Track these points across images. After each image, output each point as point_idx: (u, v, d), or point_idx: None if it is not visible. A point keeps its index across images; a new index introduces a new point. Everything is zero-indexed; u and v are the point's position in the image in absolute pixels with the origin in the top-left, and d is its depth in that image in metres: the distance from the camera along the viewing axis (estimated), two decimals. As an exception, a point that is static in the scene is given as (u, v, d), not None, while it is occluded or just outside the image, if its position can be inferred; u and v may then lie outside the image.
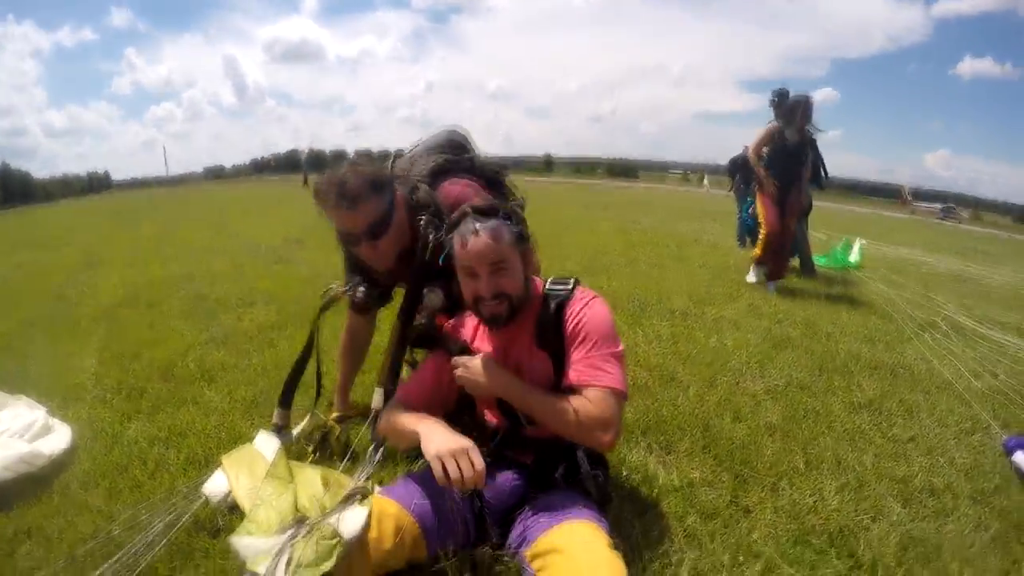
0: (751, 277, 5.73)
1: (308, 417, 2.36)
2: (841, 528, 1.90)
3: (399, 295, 2.15)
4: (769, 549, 1.78)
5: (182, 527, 1.82)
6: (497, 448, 1.65)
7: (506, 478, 1.63)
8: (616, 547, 1.40)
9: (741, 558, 1.75)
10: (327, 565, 1.31)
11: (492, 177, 2.27)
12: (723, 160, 10.03)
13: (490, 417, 1.72)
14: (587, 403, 1.50)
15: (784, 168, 5.35)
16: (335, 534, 1.37)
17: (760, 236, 5.55)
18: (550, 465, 1.62)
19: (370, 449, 2.06)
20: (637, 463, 2.22)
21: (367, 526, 1.42)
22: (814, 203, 6.40)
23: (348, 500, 1.53)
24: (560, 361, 1.60)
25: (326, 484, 1.72)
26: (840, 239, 7.21)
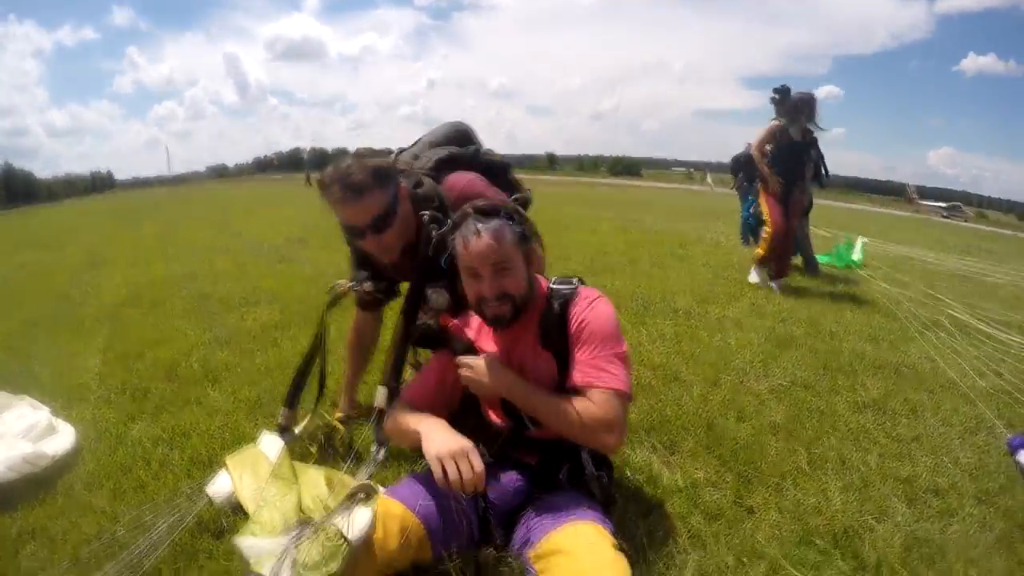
0: (753, 278, 5.69)
1: (309, 417, 2.35)
2: (845, 529, 1.90)
3: (405, 291, 2.14)
4: (773, 550, 1.77)
5: (186, 528, 1.82)
6: (501, 449, 1.64)
7: (510, 479, 1.63)
8: (620, 548, 1.40)
9: (745, 559, 1.74)
10: (332, 566, 1.31)
11: (497, 169, 2.26)
12: (725, 157, 10.02)
13: (494, 417, 1.71)
14: (591, 405, 1.50)
15: (788, 166, 5.34)
16: (340, 535, 1.37)
17: (765, 235, 5.51)
18: (554, 466, 1.62)
19: (373, 448, 2.05)
20: (641, 463, 2.22)
21: (372, 527, 1.42)
22: (814, 201, 6.38)
23: (351, 499, 1.53)
24: (564, 361, 1.60)
25: (330, 485, 1.72)
26: (843, 237, 7.19)
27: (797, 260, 6.40)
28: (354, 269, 2.23)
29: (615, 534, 1.46)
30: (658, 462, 2.25)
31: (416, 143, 2.28)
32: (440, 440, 1.46)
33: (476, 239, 1.52)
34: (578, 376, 1.55)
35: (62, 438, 2.37)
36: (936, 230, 20.53)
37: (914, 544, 1.85)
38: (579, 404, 1.51)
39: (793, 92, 5.52)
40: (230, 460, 2.03)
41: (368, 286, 2.16)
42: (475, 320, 1.75)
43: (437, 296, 1.91)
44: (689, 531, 1.85)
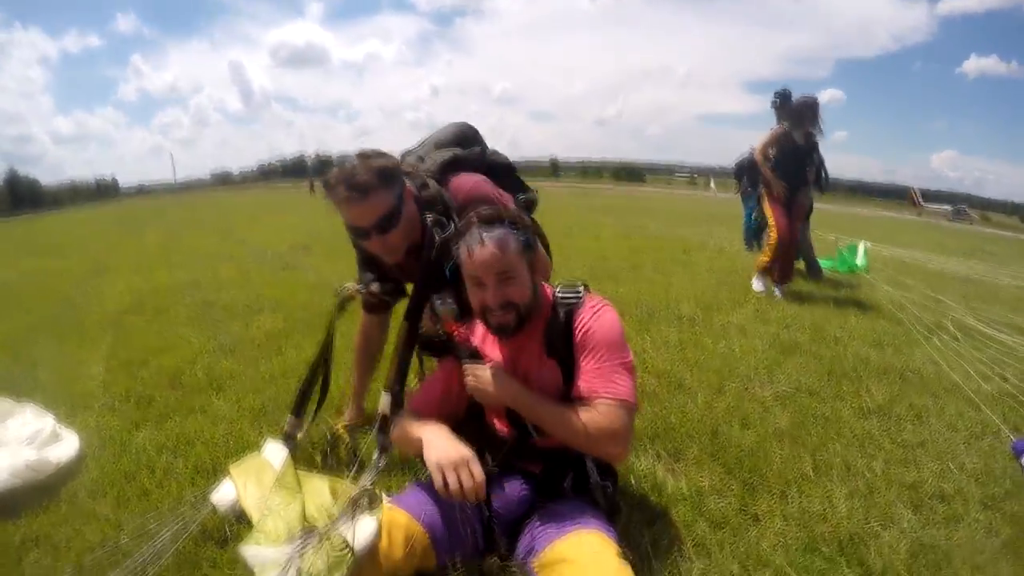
0: (757, 287, 5.60)
1: (309, 422, 2.34)
2: (851, 535, 1.89)
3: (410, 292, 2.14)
4: (778, 558, 1.77)
5: (190, 536, 1.82)
6: (506, 458, 1.64)
7: (514, 488, 1.63)
8: (625, 557, 1.40)
9: (750, 567, 1.74)
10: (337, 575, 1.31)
11: (503, 169, 2.27)
12: (728, 162, 10.00)
13: (499, 426, 1.71)
14: (597, 415, 1.49)
15: (791, 170, 5.33)
16: (345, 544, 1.37)
17: (770, 241, 5.46)
18: (558, 475, 1.62)
19: (375, 454, 2.05)
20: (646, 471, 2.21)
21: (377, 536, 1.42)
22: (813, 205, 6.37)
23: (354, 505, 1.53)
24: (569, 369, 1.59)
25: (334, 494, 1.72)
26: (846, 241, 7.17)
27: (799, 264, 6.38)
28: (360, 271, 2.23)
29: (619, 543, 1.46)
30: (663, 470, 2.24)
31: (422, 144, 2.27)
32: (441, 449, 1.47)
33: (480, 248, 1.52)
34: (584, 386, 1.55)
35: (66, 445, 2.38)
36: (938, 233, 20.48)
37: (920, 550, 1.84)
38: (585, 414, 1.50)
39: (795, 96, 5.52)
40: (234, 468, 2.04)
41: (375, 288, 2.16)
42: (480, 328, 1.75)
43: (445, 307, 1.90)
44: (694, 539, 1.84)
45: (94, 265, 8.37)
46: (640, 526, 1.87)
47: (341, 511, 1.55)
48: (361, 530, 1.44)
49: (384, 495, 1.68)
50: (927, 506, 2.09)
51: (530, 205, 2.36)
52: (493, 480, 1.57)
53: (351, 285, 2.23)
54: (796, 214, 5.50)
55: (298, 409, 2.29)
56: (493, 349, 1.72)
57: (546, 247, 1.96)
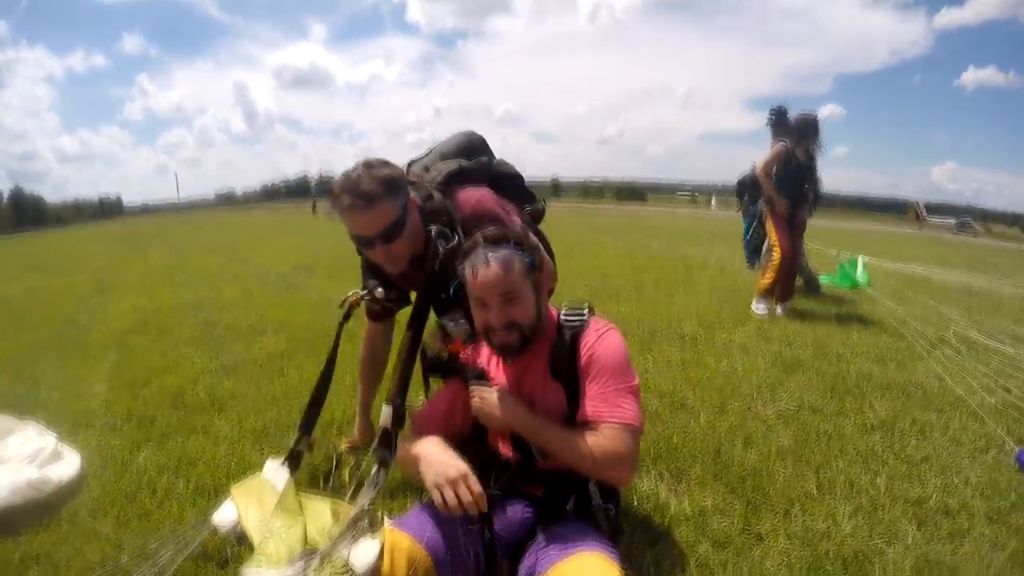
0: (760, 310, 5.46)
1: (305, 439, 2.30)
2: (855, 553, 1.87)
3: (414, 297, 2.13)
4: (783, 578, 1.75)
5: (190, 557, 1.81)
6: (509, 480, 1.64)
7: (516, 510, 1.62)
8: (627, 578, 1.38)
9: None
10: (339, 598, 1.30)
11: (510, 180, 2.26)
12: (730, 179, 10.03)
13: (503, 448, 1.70)
14: (603, 439, 1.49)
15: (793, 187, 5.35)
16: (347, 567, 1.37)
17: (772, 261, 5.44)
18: (561, 497, 1.61)
19: (374, 470, 2.02)
20: (648, 491, 2.20)
21: (380, 558, 1.41)
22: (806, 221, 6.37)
23: (355, 525, 1.52)
24: (574, 392, 1.59)
25: (336, 516, 1.71)
26: (845, 256, 7.17)
27: (798, 281, 6.37)
28: (364, 278, 2.22)
29: (622, 564, 1.45)
30: (665, 490, 2.23)
31: (428, 153, 2.27)
32: (437, 466, 1.47)
33: (485, 268, 1.52)
34: (590, 410, 1.54)
35: (67, 464, 2.38)
36: (940, 246, 20.47)
37: (925, 567, 1.83)
38: (590, 438, 1.49)
39: (797, 113, 5.54)
40: (235, 489, 2.02)
41: (379, 293, 2.15)
42: (486, 349, 1.75)
43: (458, 327, 1.90)
44: (697, 560, 1.83)
45: (98, 283, 8.41)
46: (643, 547, 1.86)
47: (341, 532, 1.54)
48: (363, 552, 1.43)
49: (386, 517, 1.67)
50: (932, 521, 2.08)
51: (537, 216, 2.36)
52: (495, 502, 1.57)
53: (356, 291, 2.23)
54: (797, 231, 5.51)
55: (306, 425, 2.25)
56: (498, 371, 1.72)
57: (551, 256, 1.96)
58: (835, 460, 2.49)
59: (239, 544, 1.86)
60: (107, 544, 1.94)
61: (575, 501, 1.60)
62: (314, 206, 44.45)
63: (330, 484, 2.21)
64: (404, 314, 2.17)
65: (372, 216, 1.78)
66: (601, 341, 1.59)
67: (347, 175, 1.79)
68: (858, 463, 2.49)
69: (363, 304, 2.25)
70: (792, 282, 5.62)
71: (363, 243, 1.88)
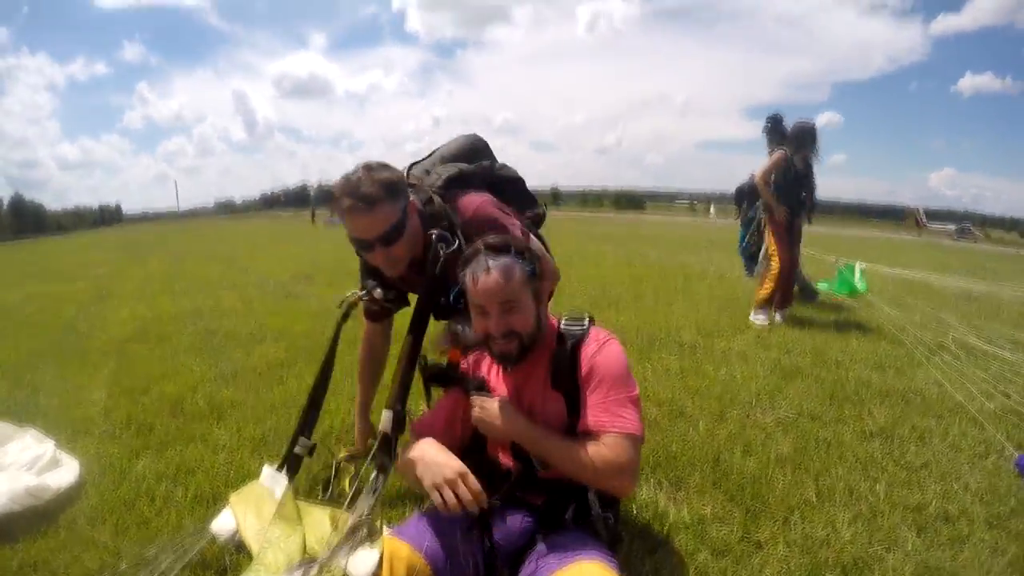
0: (760, 320, 5.39)
1: (304, 442, 2.28)
2: (855, 560, 1.87)
3: (413, 300, 2.13)
4: (782, 585, 1.75)
5: (189, 565, 1.80)
6: (510, 491, 1.64)
7: (516, 519, 1.61)
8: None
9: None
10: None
11: (511, 183, 2.26)
12: (729, 188, 10.03)
13: (502, 458, 1.70)
14: (604, 449, 1.48)
15: (792, 194, 5.37)
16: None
17: (772, 271, 5.44)
18: (561, 506, 1.60)
19: (373, 475, 1.98)
20: (647, 500, 2.20)
21: (379, 568, 1.41)
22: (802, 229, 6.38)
23: (353, 534, 1.52)
24: (574, 402, 1.59)
25: (335, 525, 1.71)
26: (842, 263, 7.17)
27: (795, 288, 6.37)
28: (363, 278, 2.22)
29: (621, 573, 1.44)
30: (664, 498, 2.23)
31: (430, 156, 2.27)
32: (434, 468, 1.48)
33: (485, 276, 1.53)
34: (591, 420, 1.54)
35: (66, 471, 2.38)
36: (939, 252, 20.51)
37: (925, 573, 1.83)
38: (592, 448, 1.49)
39: (795, 121, 5.56)
40: (234, 497, 2.02)
41: (378, 294, 2.14)
42: (488, 358, 1.75)
43: (467, 335, 1.90)
44: (696, 568, 1.83)
45: (97, 291, 8.42)
46: (642, 555, 1.86)
47: (340, 540, 1.54)
48: (362, 561, 1.43)
49: (385, 526, 1.67)
50: (931, 528, 2.08)
51: (538, 221, 2.36)
52: (495, 511, 1.57)
53: (355, 292, 2.22)
54: (795, 238, 5.52)
55: (305, 427, 2.23)
56: (498, 380, 1.72)
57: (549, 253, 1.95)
58: (834, 467, 2.49)
59: (237, 552, 1.86)
60: (105, 552, 1.93)
61: (574, 510, 1.59)
62: (313, 215, 44.53)
63: (328, 493, 2.21)
64: (404, 317, 2.17)
65: (372, 219, 1.77)
66: (602, 351, 1.60)
67: (347, 178, 1.79)
68: (857, 470, 2.49)
69: (361, 305, 2.25)
70: (791, 290, 5.63)
71: (362, 246, 1.87)
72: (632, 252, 13.27)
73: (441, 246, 1.87)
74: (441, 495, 1.43)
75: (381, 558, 1.43)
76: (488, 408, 1.61)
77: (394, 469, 1.85)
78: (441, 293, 1.86)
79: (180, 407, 3.27)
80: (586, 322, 1.66)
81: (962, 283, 9.16)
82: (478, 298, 1.56)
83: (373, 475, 1.88)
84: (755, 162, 6.00)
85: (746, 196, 8.44)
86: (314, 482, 2.29)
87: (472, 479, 1.45)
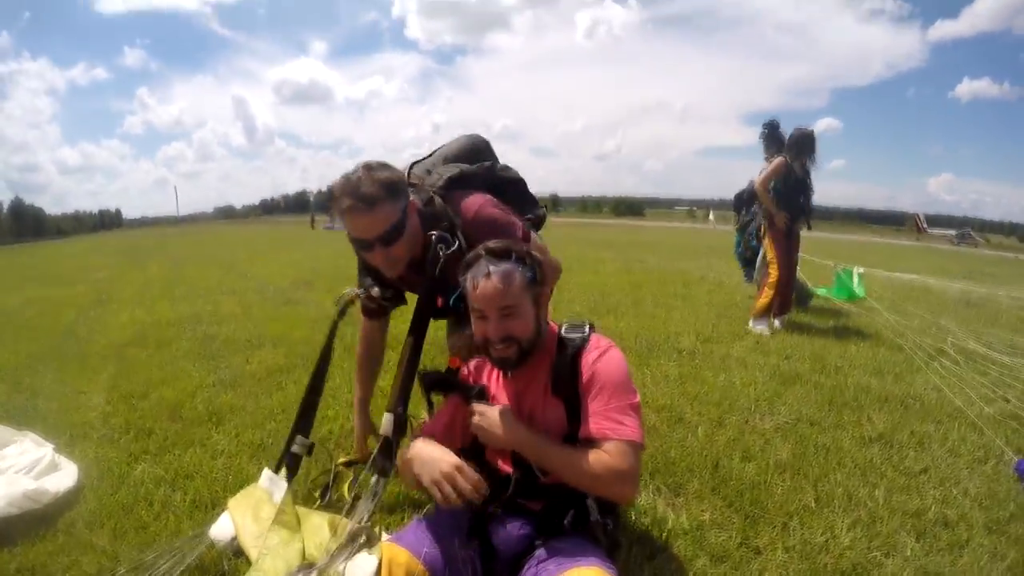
0: (761, 329, 5.29)
1: (302, 441, 2.27)
2: (854, 566, 1.87)
3: (411, 299, 2.12)
4: (781, 591, 1.75)
5: (187, 570, 1.80)
6: (510, 498, 1.63)
7: (514, 525, 1.61)
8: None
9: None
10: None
11: (512, 185, 2.25)
12: (728, 195, 10.02)
13: (502, 464, 1.70)
14: (606, 456, 1.49)
15: (791, 201, 5.39)
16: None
17: (770, 280, 5.42)
18: (559, 512, 1.60)
19: (373, 480, 1.97)
20: (646, 506, 2.20)
21: (377, 574, 1.41)
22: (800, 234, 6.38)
23: (352, 542, 1.52)
24: (574, 409, 1.59)
25: (334, 531, 1.71)
26: (840, 268, 7.18)
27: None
28: (360, 277, 2.21)
29: (620, 578, 1.45)
30: (663, 504, 2.23)
31: (432, 154, 2.26)
32: (430, 464, 1.49)
33: (485, 281, 1.54)
34: (593, 427, 1.54)
35: (64, 475, 2.37)
36: (939, 258, 20.52)
37: (924, 578, 1.82)
38: (593, 456, 1.49)
39: (794, 128, 5.57)
40: (232, 502, 2.02)
41: (376, 292, 2.14)
42: (489, 365, 1.76)
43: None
44: (695, 574, 1.83)
45: (97, 295, 8.40)
46: (640, 561, 1.85)
47: (339, 546, 1.54)
48: (360, 567, 1.43)
49: (384, 532, 1.67)
50: (931, 533, 2.08)
51: (538, 223, 2.35)
52: (493, 518, 1.58)
53: (352, 290, 2.21)
54: (793, 245, 5.53)
55: (302, 423, 2.23)
56: (499, 386, 1.72)
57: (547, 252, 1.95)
58: (833, 473, 2.49)
59: (235, 558, 1.86)
60: (103, 556, 1.93)
61: (573, 516, 1.59)
62: (312, 220, 44.62)
63: (327, 499, 2.21)
64: (403, 318, 2.17)
65: (372, 219, 1.77)
66: (603, 358, 1.60)
67: (347, 177, 1.78)
68: (856, 475, 2.49)
69: (359, 302, 2.24)
70: (790, 297, 5.63)
71: (362, 245, 1.87)
72: (631, 258, 13.27)
73: (440, 247, 1.87)
74: (440, 490, 1.44)
75: (380, 564, 1.43)
76: (488, 416, 1.61)
77: (394, 473, 1.85)
78: (441, 294, 1.86)
79: (179, 412, 3.26)
80: (587, 329, 1.67)
81: (961, 286, 9.17)
82: (477, 303, 1.57)
83: (374, 479, 1.87)
84: (754, 168, 6.03)
85: (745, 203, 8.45)
86: (313, 487, 2.28)
87: (469, 470, 1.46)
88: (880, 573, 1.84)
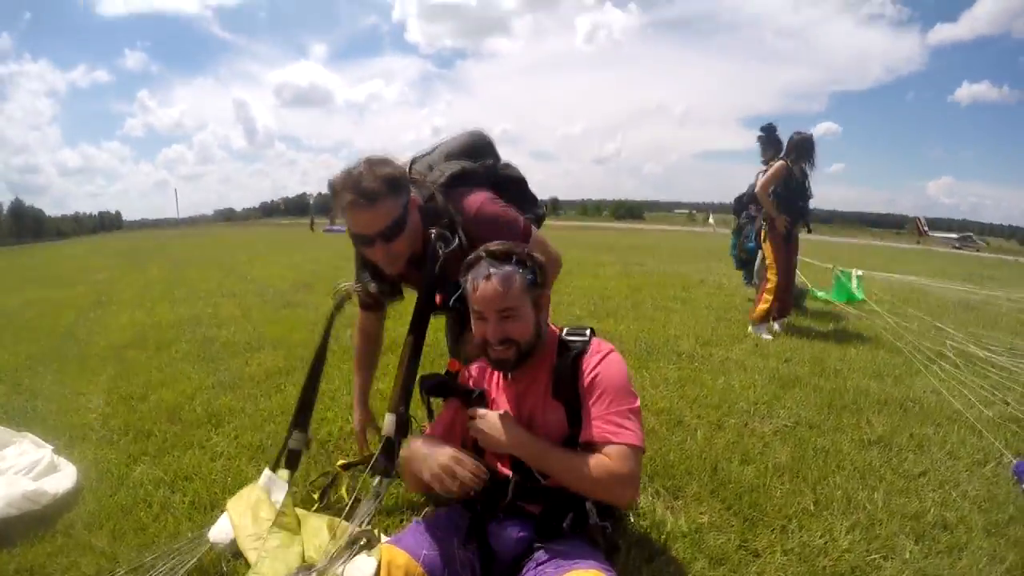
0: (762, 334, 5.27)
1: (301, 436, 2.26)
2: (853, 568, 1.88)
3: (410, 295, 2.11)
4: (780, 594, 1.75)
5: (186, 572, 1.80)
6: (510, 502, 1.63)
7: (513, 528, 1.61)
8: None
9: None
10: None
11: (513, 183, 2.24)
12: (727, 198, 10.01)
13: (500, 467, 1.69)
14: (606, 460, 1.49)
15: (792, 205, 5.40)
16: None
17: (769, 285, 5.41)
18: (558, 514, 1.61)
19: (375, 481, 1.98)
20: (645, 509, 2.20)
21: (376, 576, 1.41)
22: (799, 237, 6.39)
23: (352, 545, 1.52)
24: (575, 412, 1.59)
25: (333, 533, 1.71)
26: (838, 271, 7.18)
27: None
28: (358, 271, 2.19)
29: (618, 581, 1.45)
30: (662, 507, 2.23)
31: (433, 150, 2.23)
32: (428, 459, 1.52)
33: (485, 283, 1.54)
34: (594, 431, 1.54)
35: (63, 477, 2.37)
36: (939, 260, 20.53)
37: (923, 581, 1.82)
38: (592, 460, 1.50)
39: (793, 132, 5.58)
40: (231, 503, 2.02)
41: (373, 287, 2.12)
42: (490, 369, 1.76)
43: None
44: (694, 576, 1.83)
45: (96, 297, 8.40)
46: (639, 564, 1.85)
47: (338, 548, 1.54)
48: (359, 569, 1.43)
49: (383, 534, 1.67)
50: (930, 536, 2.08)
51: (537, 223, 2.32)
52: (492, 520, 1.58)
53: (348, 284, 2.20)
54: (793, 248, 5.54)
55: (300, 418, 2.22)
56: (500, 390, 1.73)
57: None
58: (832, 476, 2.49)
59: (234, 559, 1.86)
60: (102, 557, 1.93)
61: (572, 519, 1.59)
62: (312, 222, 44.65)
63: (325, 501, 2.21)
64: (402, 318, 2.17)
65: (373, 215, 1.75)
66: (604, 363, 1.61)
67: (349, 172, 1.75)
68: (855, 478, 2.49)
69: (355, 296, 2.23)
70: (789, 301, 5.63)
71: (362, 241, 1.85)
72: (631, 262, 13.26)
73: (440, 245, 1.85)
74: (442, 483, 1.46)
75: (378, 566, 1.43)
76: (488, 420, 1.62)
77: (395, 474, 1.85)
78: (440, 292, 1.85)
79: (178, 414, 3.26)
80: (588, 334, 1.68)
81: (961, 288, 9.17)
82: (477, 304, 1.57)
83: (376, 480, 1.87)
84: (754, 172, 6.04)
85: (745, 206, 8.44)
86: (312, 489, 2.28)
87: (466, 458, 1.48)
88: (879, 576, 1.84)
